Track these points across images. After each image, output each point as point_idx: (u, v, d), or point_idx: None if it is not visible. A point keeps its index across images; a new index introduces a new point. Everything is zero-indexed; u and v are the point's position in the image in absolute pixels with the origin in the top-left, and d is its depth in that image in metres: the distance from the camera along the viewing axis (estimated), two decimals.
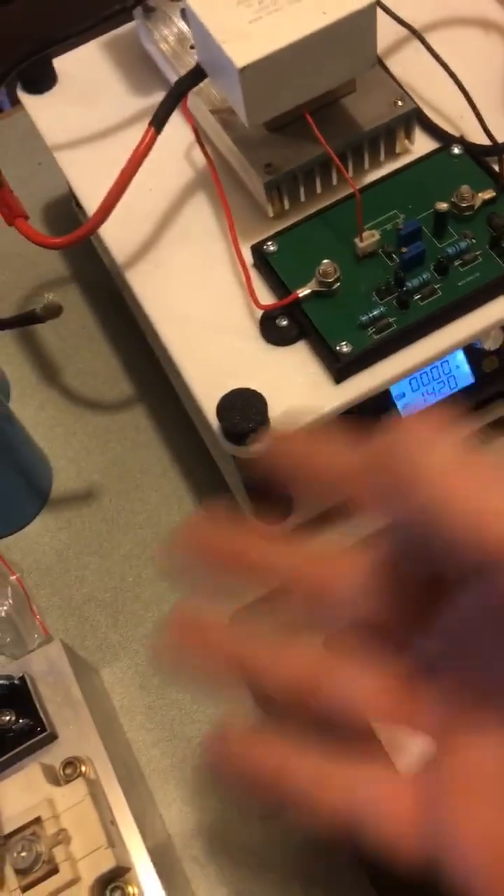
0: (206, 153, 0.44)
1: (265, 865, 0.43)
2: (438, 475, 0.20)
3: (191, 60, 0.48)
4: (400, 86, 0.46)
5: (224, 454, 0.51)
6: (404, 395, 0.46)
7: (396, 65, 0.48)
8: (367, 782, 0.21)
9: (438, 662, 0.22)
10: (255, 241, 0.43)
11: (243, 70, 0.36)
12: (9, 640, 0.49)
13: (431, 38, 0.48)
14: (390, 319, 0.40)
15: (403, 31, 0.48)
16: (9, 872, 0.35)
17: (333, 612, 0.23)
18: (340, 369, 0.40)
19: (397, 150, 0.46)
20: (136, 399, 0.57)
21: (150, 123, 0.40)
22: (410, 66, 0.48)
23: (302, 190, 0.44)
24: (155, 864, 0.37)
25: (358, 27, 0.37)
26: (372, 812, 0.21)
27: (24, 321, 0.39)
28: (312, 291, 0.41)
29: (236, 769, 0.22)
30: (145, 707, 0.47)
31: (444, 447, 0.20)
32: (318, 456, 0.23)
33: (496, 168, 0.44)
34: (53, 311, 0.38)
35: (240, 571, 0.24)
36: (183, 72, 0.47)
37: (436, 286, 0.40)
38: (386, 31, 0.48)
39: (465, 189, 0.41)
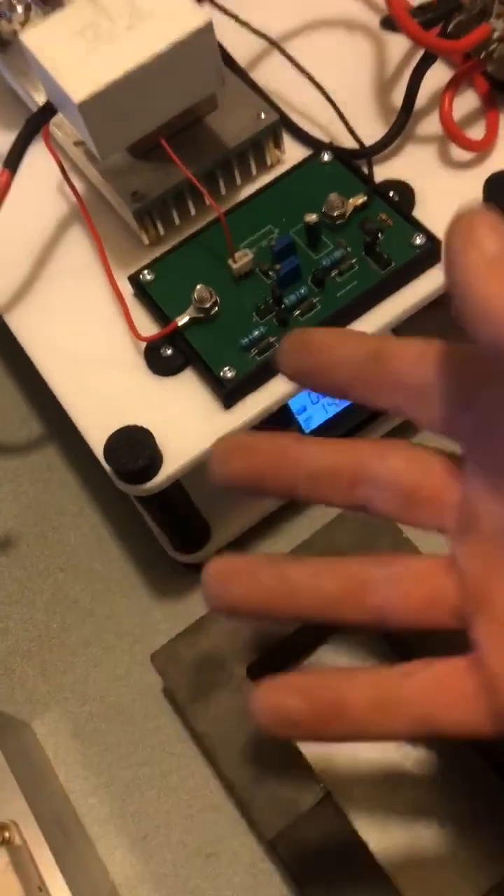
0: (72, 186, 0.43)
1: None
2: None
3: None
4: (265, 97, 0.45)
5: None
6: (305, 408, 0.46)
7: (263, 76, 0.47)
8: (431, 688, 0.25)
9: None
10: (132, 271, 0.42)
11: (81, 105, 0.35)
12: None
13: (297, 45, 0.48)
14: (271, 339, 0.39)
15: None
16: None
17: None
18: (227, 395, 0.39)
19: (269, 163, 0.45)
20: (46, 438, 0.55)
21: (5, 165, 0.39)
22: (278, 76, 0.47)
23: (175, 214, 0.43)
24: None
25: (196, 48, 0.36)
26: (442, 710, 0.25)
27: None
28: (191, 318, 0.40)
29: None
30: (80, 755, 0.46)
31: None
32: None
33: (366, 171, 0.43)
34: None
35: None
36: None
37: (314, 300, 0.40)
38: (251, 42, 0.47)
39: (333, 197, 0.40)
